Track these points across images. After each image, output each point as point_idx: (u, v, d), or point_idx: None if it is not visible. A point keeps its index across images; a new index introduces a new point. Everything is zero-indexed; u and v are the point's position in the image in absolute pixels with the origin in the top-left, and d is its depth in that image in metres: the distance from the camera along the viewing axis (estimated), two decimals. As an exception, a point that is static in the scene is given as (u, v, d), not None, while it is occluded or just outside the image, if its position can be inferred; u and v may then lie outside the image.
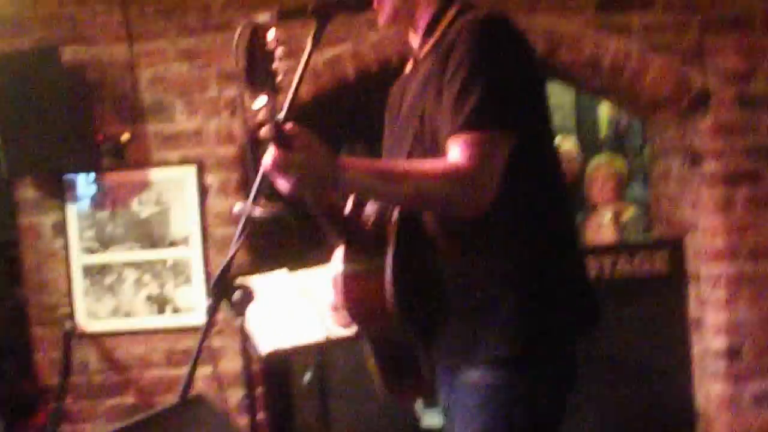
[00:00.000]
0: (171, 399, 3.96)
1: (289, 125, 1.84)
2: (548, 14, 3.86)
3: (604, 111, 5.64)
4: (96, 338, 4.05)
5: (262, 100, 1.81)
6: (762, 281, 4.00)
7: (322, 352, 3.91)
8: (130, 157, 3.99)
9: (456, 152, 1.90)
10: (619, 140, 5.46)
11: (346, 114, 4.52)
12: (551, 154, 2.12)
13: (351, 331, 3.07)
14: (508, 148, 1.92)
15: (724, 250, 3.97)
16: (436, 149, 1.98)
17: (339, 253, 2.07)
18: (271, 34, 1.81)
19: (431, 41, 2.08)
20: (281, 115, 1.85)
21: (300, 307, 3.27)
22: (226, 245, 3.97)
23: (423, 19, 2.10)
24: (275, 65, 1.82)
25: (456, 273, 2.01)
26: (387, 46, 3.90)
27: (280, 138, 1.82)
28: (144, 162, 4.01)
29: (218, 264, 3.88)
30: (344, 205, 2.10)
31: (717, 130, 3.96)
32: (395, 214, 1.99)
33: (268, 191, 1.92)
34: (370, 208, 2.07)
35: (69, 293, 4.04)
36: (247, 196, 1.91)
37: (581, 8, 3.89)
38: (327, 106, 4.01)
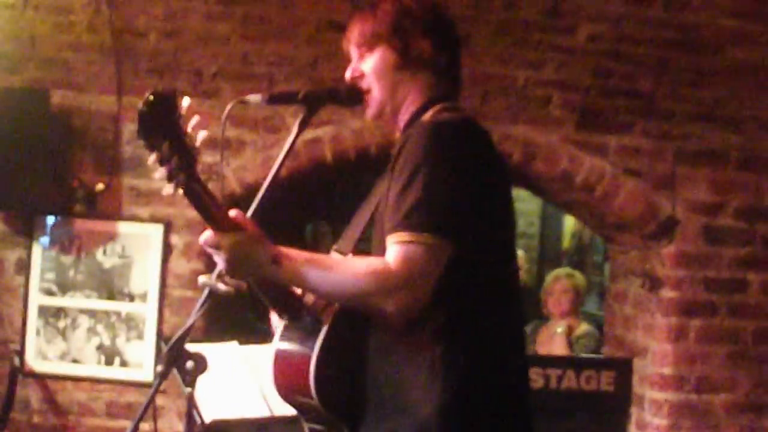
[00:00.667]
0: (105, 451, 4.02)
1: (234, 211, 1.89)
2: (528, 125, 3.96)
3: (569, 223, 5.73)
4: (41, 379, 4.06)
5: (161, 173, 1.79)
6: (705, 413, 4.05)
7: (262, 428, 3.96)
8: (102, 207, 4.05)
9: (390, 253, 1.91)
10: (580, 253, 5.53)
11: (315, 194, 4.60)
12: (500, 262, 2.07)
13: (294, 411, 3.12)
14: (445, 254, 1.90)
15: (671, 378, 4.02)
16: (383, 247, 1.97)
17: (278, 329, 2.11)
18: (186, 100, 1.81)
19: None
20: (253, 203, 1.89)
21: (246, 381, 3.33)
22: (182, 306, 4.02)
23: (404, 117, 2.12)
24: (184, 129, 1.79)
25: (383, 368, 2.01)
26: (366, 135, 3.99)
27: (212, 219, 1.86)
28: (114, 214, 4.06)
29: (172, 323, 3.99)
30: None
31: (679, 258, 4.05)
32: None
33: None
34: None
35: (22, 330, 4.06)
36: (211, 262, 1.93)
37: (561, 123, 3.99)
38: (300, 185, 4.09)
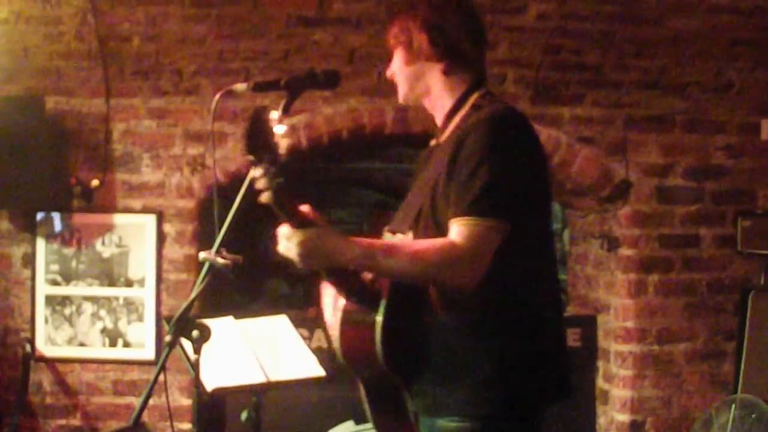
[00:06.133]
0: (114, 425, 4.31)
1: (304, 206, 2.11)
2: (486, 102, 4.20)
3: None
4: (51, 363, 4.37)
5: (258, 171, 1.99)
6: (667, 363, 4.31)
7: (259, 393, 4.22)
8: (98, 201, 4.34)
9: (454, 233, 2.14)
10: None
11: (296, 182, 4.84)
12: (544, 240, 2.35)
13: (288, 375, 3.36)
14: (501, 235, 2.15)
15: (633, 331, 4.28)
16: (435, 227, 2.23)
17: (341, 303, 2.31)
18: (274, 114, 2.01)
19: (452, 126, 2.34)
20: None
21: (243, 351, 3.55)
22: (178, 289, 4.32)
23: (447, 103, 2.37)
24: (277, 142, 1.99)
25: (443, 331, 2.21)
26: (338, 120, 4.25)
27: (289, 215, 2.07)
28: (110, 207, 4.35)
29: (170, 305, 4.29)
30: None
31: (635, 219, 4.30)
32: None
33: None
34: None
35: (31, 319, 4.37)
36: (201, 246, 2.14)
37: (517, 99, 4.21)
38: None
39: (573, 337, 4.31)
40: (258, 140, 1.98)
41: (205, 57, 4.22)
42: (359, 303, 2.27)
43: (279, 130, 2.00)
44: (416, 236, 2.28)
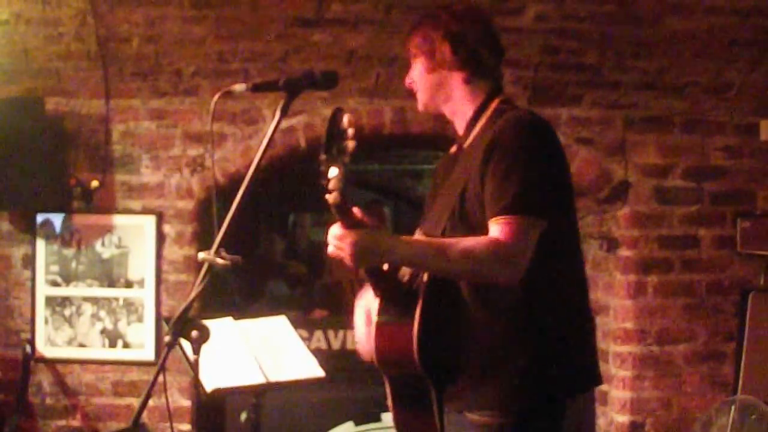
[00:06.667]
0: (114, 426, 4.32)
1: (356, 208, 2.17)
2: (484, 103, 4.19)
3: None
4: (51, 364, 4.38)
5: (333, 171, 2.06)
6: (666, 364, 4.30)
7: (259, 394, 4.23)
8: (98, 202, 4.35)
9: (496, 230, 2.22)
10: None
11: (294, 185, 4.85)
12: (574, 238, 2.43)
13: (288, 376, 3.38)
14: (539, 231, 2.24)
15: (632, 332, 4.28)
16: (468, 226, 2.30)
17: (375, 304, 2.35)
18: (345, 118, 2.08)
19: (475, 131, 2.41)
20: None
21: (242, 352, 3.55)
22: (177, 290, 4.33)
23: (468, 110, 2.44)
24: (347, 143, 2.07)
25: (477, 329, 2.28)
26: (336, 121, 4.26)
27: (346, 215, 2.13)
28: (109, 208, 4.37)
29: (169, 306, 4.30)
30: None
31: (633, 219, 4.31)
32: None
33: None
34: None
35: (31, 320, 4.38)
36: (201, 247, 2.14)
37: (515, 99, 4.16)
38: (277, 173, 4.35)
39: (572, 338, 4.29)
40: (335, 141, 2.06)
41: (204, 58, 4.22)
42: (395, 304, 2.32)
43: (349, 132, 2.06)
44: (449, 236, 2.33)
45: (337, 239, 2.19)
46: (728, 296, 4.35)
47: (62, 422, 4.38)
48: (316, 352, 3.69)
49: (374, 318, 2.33)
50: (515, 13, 4.07)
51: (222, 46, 4.18)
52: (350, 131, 2.08)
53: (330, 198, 2.09)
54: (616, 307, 4.32)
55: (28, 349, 4.34)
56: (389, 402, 2.45)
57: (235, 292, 4.89)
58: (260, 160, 2.15)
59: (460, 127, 2.47)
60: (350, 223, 2.17)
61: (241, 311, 4.10)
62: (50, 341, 4.38)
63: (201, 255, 2.11)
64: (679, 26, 4.13)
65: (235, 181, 4.11)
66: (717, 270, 4.34)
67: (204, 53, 4.21)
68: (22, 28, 4.18)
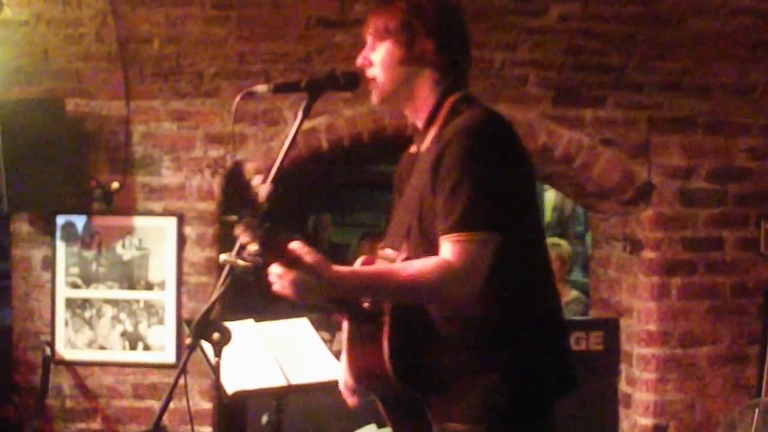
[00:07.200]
0: (134, 429, 4.30)
1: (294, 243, 2.05)
2: (507, 104, 4.14)
3: (550, 196, 5.85)
4: (71, 366, 4.36)
5: (240, 228, 1.94)
6: (690, 366, 4.28)
7: (280, 397, 4.23)
8: (118, 204, 4.33)
9: (447, 250, 2.11)
10: (562, 225, 5.72)
11: (316, 186, 4.83)
12: (537, 241, 2.32)
13: (309, 378, 3.36)
14: (494, 246, 2.11)
15: (656, 334, 4.26)
16: (426, 241, 2.19)
17: (345, 326, 2.32)
18: (246, 167, 2.03)
19: (432, 132, 2.26)
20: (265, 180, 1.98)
21: (263, 354, 3.54)
22: (198, 292, 4.31)
23: (425, 108, 2.29)
24: (254, 191, 1.94)
25: (446, 344, 2.20)
26: (359, 123, 4.24)
27: (281, 256, 2.02)
28: (130, 210, 4.35)
29: (190, 308, 4.28)
30: None
31: (657, 221, 4.28)
32: None
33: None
34: None
35: (51, 322, 4.36)
36: (222, 248, 2.12)
37: (538, 100, 4.22)
38: (299, 176, 4.34)
39: (595, 341, 4.26)
40: (235, 199, 1.95)
41: (225, 59, 4.22)
42: (363, 324, 2.27)
43: (256, 180, 1.95)
44: (409, 251, 2.25)
45: (277, 278, 2.09)
46: (752, 298, 4.32)
47: (82, 425, 4.36)
48: (338, 355, 3.66)
49: (345, 341, 2.30)
50: (539, 14, 4.08)
51: (243, 46, 4.18)
52: (256, 179, 1.95)
53: (251, 251, 2.00)
54: (639, 309, 4.30)
55: (48, 351, 4.33)
56: (386, 421, 2.41)
57: (257, 294, 4.86)
58: (282, 161, 2.12)
59: (418, 123, 2.33)
60: (287, 263, 2.06)
61: (262, 313, 4.10)
62: (70, 343, 4.36)
63: (222, 257, 2.08)
64: (703, 27, 4.13)
65: (256, 182, 4.08)
66: (741, 272, 4.32)
67: (225, 54, 4.21)
68: (42, 28, 4.18)
